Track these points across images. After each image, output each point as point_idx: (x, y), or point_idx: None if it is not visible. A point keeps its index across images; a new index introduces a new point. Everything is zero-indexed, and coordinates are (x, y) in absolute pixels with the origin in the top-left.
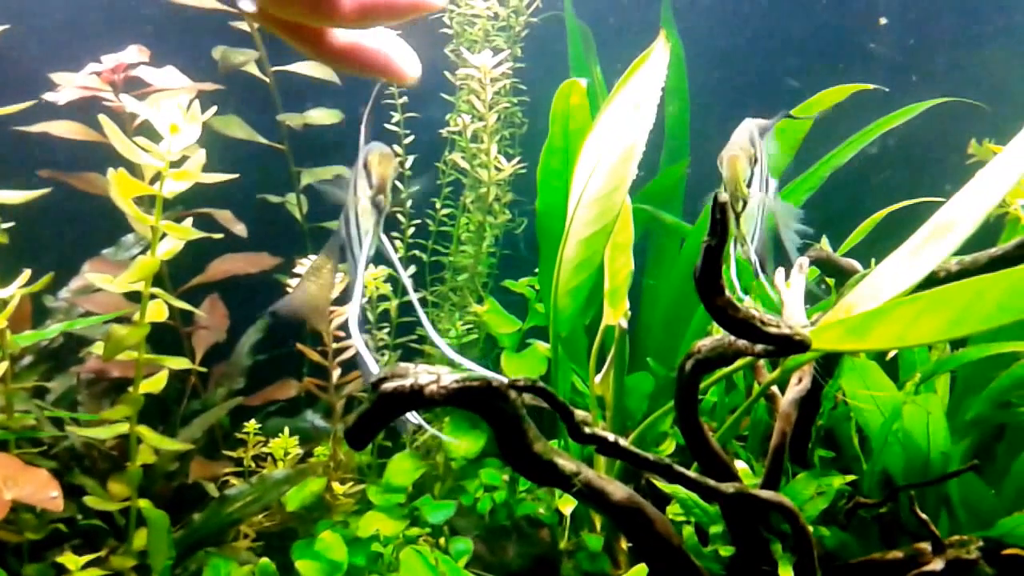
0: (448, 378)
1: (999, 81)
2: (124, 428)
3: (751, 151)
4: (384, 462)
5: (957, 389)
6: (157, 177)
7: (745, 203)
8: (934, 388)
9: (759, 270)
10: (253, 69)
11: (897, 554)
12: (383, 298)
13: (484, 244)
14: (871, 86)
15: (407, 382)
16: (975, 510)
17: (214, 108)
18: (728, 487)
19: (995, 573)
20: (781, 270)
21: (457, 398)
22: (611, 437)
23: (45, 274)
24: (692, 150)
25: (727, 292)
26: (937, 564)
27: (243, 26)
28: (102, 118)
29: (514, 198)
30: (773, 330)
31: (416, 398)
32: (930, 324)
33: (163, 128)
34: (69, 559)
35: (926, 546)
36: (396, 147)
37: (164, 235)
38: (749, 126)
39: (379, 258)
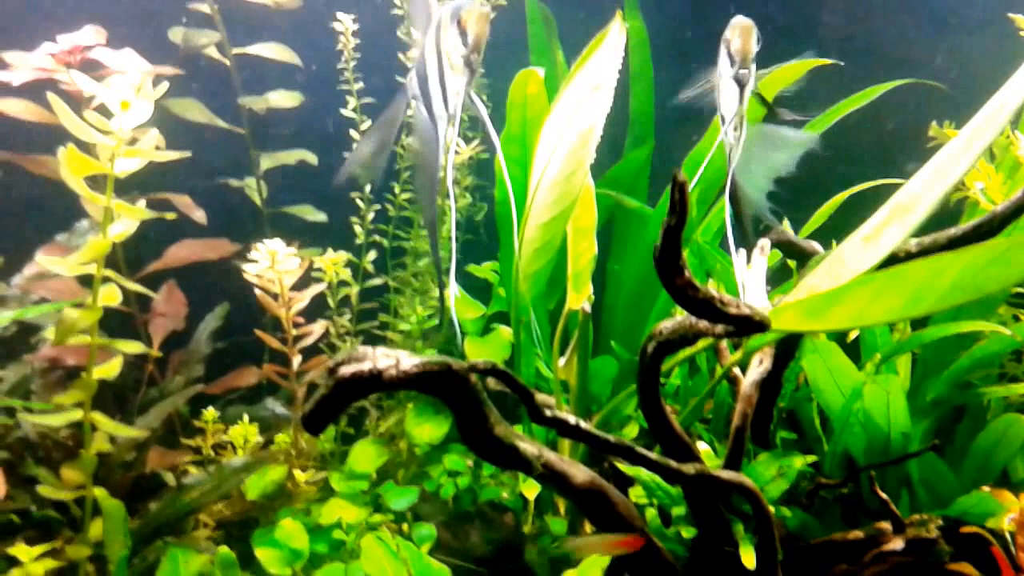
0: (407, 362)
1: (961, 64)
2: (78, 415)
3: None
4: (347, 449)
5: (918, 371)
6: (110, 158)
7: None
8: (895, 370)
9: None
10: (214, 52)
11: (858, 534)
12: (343, 283)
13: (444, 228)
14: (829, 61)
15: (365, 366)
16: (935, 490)
17: (165, 84)
18: (689, 468)
19: (954, 551)
20: (743, 252)
21: (417, 382)
22: (572, 419)
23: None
24: (657, 135)
25: (687, 272)
26: (897, 543)
27: (204, 7)
28: (51, 96)
29: (475, 182)
30: (733, 310)
31: (375, 382)
32: (888, 303)
33: (114, 105)
34: (21, 550)
35: (887, 525)
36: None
37: (119, 217)
38: None
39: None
